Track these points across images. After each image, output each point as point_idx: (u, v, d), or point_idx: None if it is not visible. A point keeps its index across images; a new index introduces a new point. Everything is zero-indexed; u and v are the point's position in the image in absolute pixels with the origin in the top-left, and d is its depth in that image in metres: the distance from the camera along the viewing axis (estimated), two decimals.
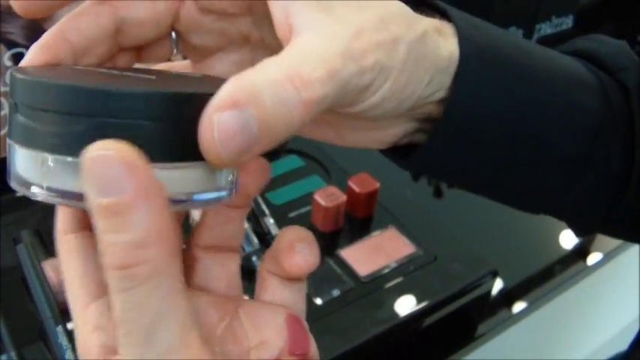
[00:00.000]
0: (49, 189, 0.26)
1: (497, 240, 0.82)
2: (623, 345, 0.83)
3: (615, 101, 0.42)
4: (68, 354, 0.55)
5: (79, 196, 0.25)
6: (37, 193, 0.27)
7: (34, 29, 0.71)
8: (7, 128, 0.28)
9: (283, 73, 0.26)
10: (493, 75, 0.36)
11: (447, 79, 0.35)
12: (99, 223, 0.24)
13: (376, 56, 0.31)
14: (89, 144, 0.23)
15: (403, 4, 0.34)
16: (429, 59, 0.34)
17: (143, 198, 0.23)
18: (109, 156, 0.23)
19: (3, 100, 0.70)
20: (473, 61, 0.35)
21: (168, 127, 0.26)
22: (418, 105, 0.35)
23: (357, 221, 0.72)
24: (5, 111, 0.70)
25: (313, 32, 0.29)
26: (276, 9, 0.30)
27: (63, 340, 0.56)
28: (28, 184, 0.27)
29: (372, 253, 0.68)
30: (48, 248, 0.66)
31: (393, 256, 0.68)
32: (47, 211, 0.69)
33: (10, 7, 0.69)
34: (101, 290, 0.29)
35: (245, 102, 0.25)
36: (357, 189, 0.70)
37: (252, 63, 0.33)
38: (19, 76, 0.27)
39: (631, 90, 0.43)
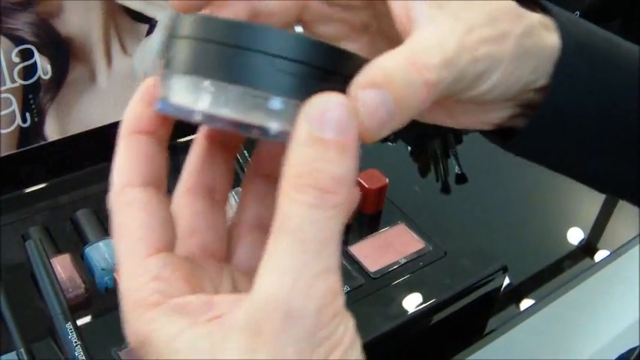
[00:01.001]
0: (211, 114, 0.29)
1: (505, 236, 0.82)
2: (631, 341, 0.83)
3: None
4: (78, 350, 0.55)
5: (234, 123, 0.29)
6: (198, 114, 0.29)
7: (41, 25, 0.71)
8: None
9: (408, 60, 0.31)
10: (590, 65, 0.40)
11: (549, 68, 0.39)
12: (310, 151, 0.28)
13: (487, 48, 0.35)
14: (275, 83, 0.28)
15: (510, 1, 0.38)
16: (535, 50, 0.38)
17: (354, 145, 0.28)
18: (342, 103, 0.28)
19: (9, 96, 0.70)
20: (573, 52, 0.39)
21: (339, 80, 0.30)
22: (523, 91, 0.39)
23: (367, 217, 0.72)
24: (6, 111, 0.70)
25: (431, 26, 0.33)
26: (395, 5, 0.34)
27: (73, 337, 0.55)
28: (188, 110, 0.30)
29: (382, 249, 0.68)
30: (57, 245, 0.66)
31: (402, 252, 0.68)
32: (54, 209, 0.69)
33: (16, 3, 0.69)
34: (162, 244, 0.31)
35: (382, 83, 0.30)
36: (366, 185, 0.70)
37: (369, 51, 0.39)
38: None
39: None
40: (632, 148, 0.44)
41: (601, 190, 0.49)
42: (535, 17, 0.38)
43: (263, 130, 0.29)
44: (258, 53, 0.28)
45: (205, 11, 0.35)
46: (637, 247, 0.90)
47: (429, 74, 0.31)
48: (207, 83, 0.29)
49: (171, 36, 0.31)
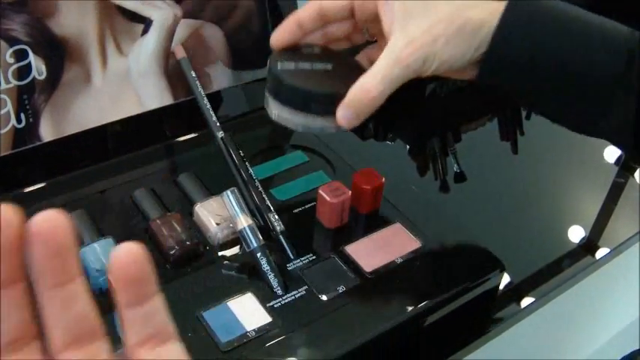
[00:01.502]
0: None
1: (505, 235, 0.82)
2: (632, 339, 0.82)
3: None
4: None
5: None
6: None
7: (36, 26, 0.70)
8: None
9: (360, 87, 0.58)
10: (532, 18, 0.57)
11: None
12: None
13: (418, 54, 0.57)
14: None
15: (451, 8, 0.57)
16: (469, 37, 0.57)
17: None
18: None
19: (3, 97, 0.70)
20: (515, 11, 0.57)
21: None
22: (471, 60, 0.59)
23: (363, 217, 0.72)
24: (1, 112, 0.70)
25: (386, 48, 0.58)
26: (382, 19, 0.60)
27: None
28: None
29: (378, 249, 0.67)
30: None
31: (399, 251, 0.67)
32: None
33: (10, 3, 0.68)
34: None
35: (348, 104, 0.58)
36: (362, 184, 0.70)
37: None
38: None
39: None
40: (584, 85, 0.58)
41: (569, 128, 0.63)
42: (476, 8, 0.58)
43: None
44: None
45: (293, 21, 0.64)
46: (637, 245, 0.90)
47: (371, 93, 0.57)
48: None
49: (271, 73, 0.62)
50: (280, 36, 0.64)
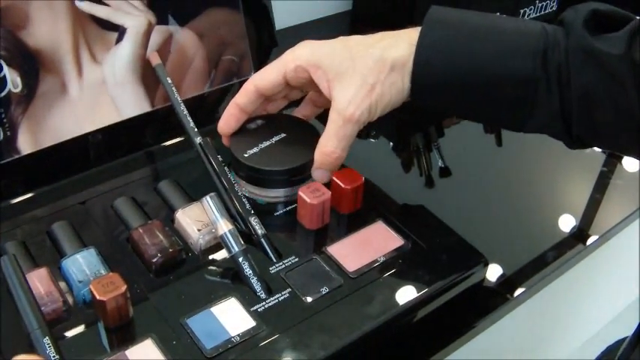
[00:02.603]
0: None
1: (496, 227, 0.81)
2: (623, 327, 0.82)
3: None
4: None
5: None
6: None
7: (8, 38, 0.70)
8: None
9: (320, 150, 0.66)
10: (446, 39, 0.63)
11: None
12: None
13: (362, 108, 0.63)
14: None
15: (376, 55, 0.64)
16: (399, 75, 0.64)
17: None
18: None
19: None
20: (428, 47, 0.63)
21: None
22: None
23: (344, 217, 0.71)
24: None
25: (332, 110, 0.65)
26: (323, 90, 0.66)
27: (51, 351, 0.55)
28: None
29: (360, 249, 0.67)
30: (34, 259, 0.66)
31: (381, 250, 0.67)
32: (31, 222, 0.69)
33: None
34: None
35: (316, 165, 0.67)
36: (342, 184, 0.69)
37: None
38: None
39: (567, 24, 0.61)
40: (501, 93, 0.63)
41: (502, 128, 0.77)
42: (397, 50, 0.64)
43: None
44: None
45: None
46: (628, 230, 0.90)
47: (334, 153, 0.65)
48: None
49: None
50: (226, 124, 0.71)
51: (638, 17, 0.61)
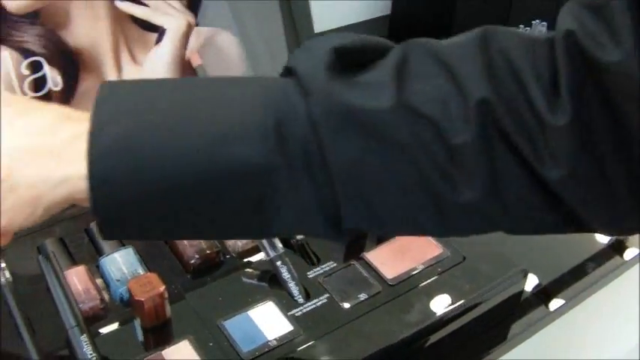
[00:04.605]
0: None
1: (532, 238, 0.80)
2: None
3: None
4: None
5: None
6: None
7: (49, 37, 0.70)
8: None
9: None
10: (122, 168, 0.40)
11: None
12: None
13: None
14: None
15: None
16: (33, 195, 0.41)
17: None
18: None
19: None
20: (99, 165, 0.40)
21: None
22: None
23: None
24: None
25: None
26: None
27: (88, 349, 0.55)
28: None
29: (399, 256, 0.67)
30: (72, 257, 0.66)
31: (420, 258, 0.67)
32: (70, 220, 0.69)
33: (22, 16, 0.68)
34: None
35: None
36: None
37: None
38: None
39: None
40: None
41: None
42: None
43: None
44: None
45: None
46: None
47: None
48: None
49: None
50: None
51: (391, 43, 0.44)
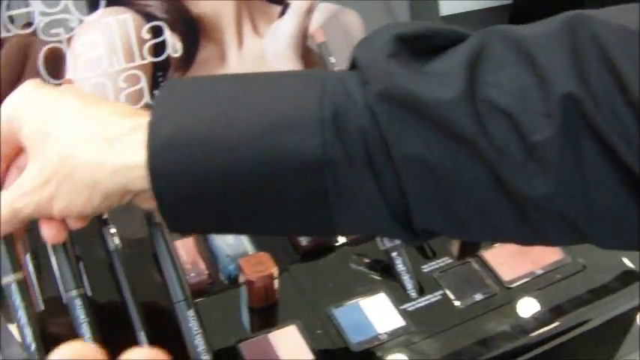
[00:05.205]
0: None
1: None
2: None
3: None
4: (198, 339, 0.53)
5: None
6: None
7: (173, 3, 0.69)
8: None
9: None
10: (181, 157, 0.41)
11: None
12: None
13: (29, 199, 0.44)
14: None
15: (60, 147, 0.43)
16: (92, 179, 0.42)
17: None
18: None
19: (138, 73, 0.69)
20: (158, 153, 0.41)
21: None
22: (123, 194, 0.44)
23: None
24: (134, 88, 0.69)
25: None
26: None
27: (194, 325, 0.54)
28: None
29: (518, 257, 0.64)
30: None
31: (539, 262, 0.64)
32: None
33: None
34: None
35: None
36: None
37: None
38: None
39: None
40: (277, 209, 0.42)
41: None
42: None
43: None
44: None
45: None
46: None
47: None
48: None
49: None
50: None
51: (468, 32, 0.42)
